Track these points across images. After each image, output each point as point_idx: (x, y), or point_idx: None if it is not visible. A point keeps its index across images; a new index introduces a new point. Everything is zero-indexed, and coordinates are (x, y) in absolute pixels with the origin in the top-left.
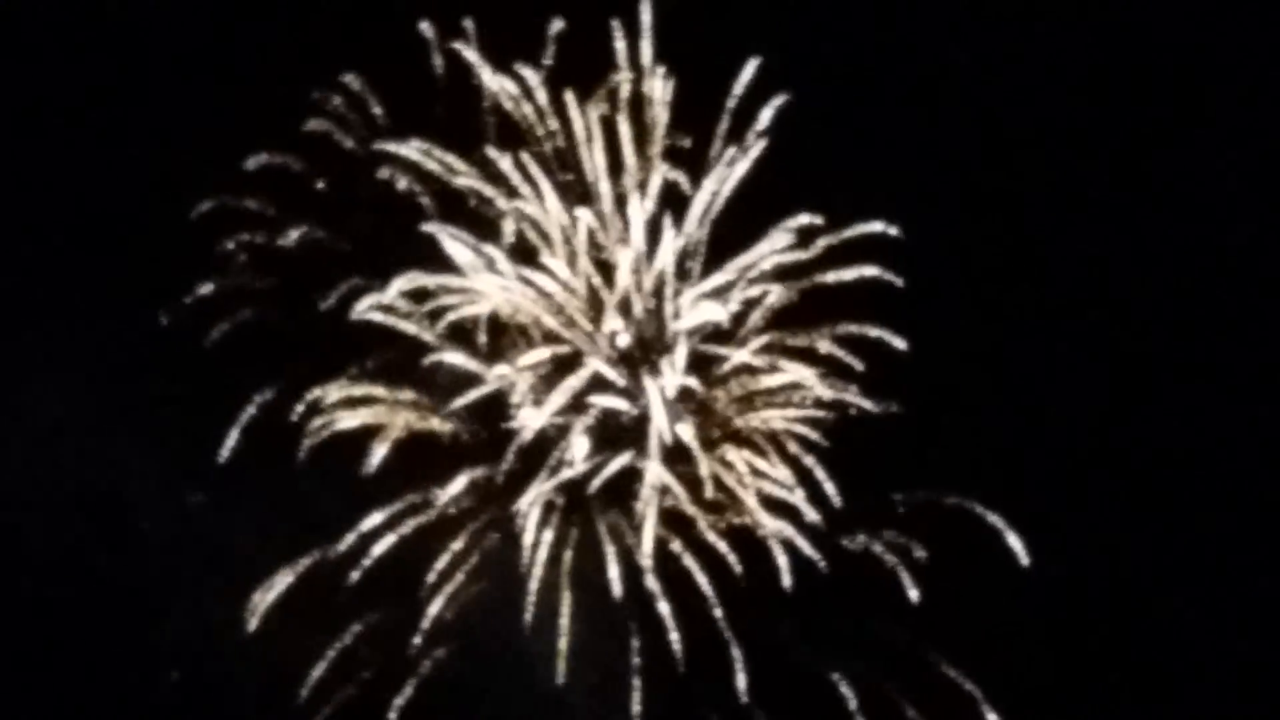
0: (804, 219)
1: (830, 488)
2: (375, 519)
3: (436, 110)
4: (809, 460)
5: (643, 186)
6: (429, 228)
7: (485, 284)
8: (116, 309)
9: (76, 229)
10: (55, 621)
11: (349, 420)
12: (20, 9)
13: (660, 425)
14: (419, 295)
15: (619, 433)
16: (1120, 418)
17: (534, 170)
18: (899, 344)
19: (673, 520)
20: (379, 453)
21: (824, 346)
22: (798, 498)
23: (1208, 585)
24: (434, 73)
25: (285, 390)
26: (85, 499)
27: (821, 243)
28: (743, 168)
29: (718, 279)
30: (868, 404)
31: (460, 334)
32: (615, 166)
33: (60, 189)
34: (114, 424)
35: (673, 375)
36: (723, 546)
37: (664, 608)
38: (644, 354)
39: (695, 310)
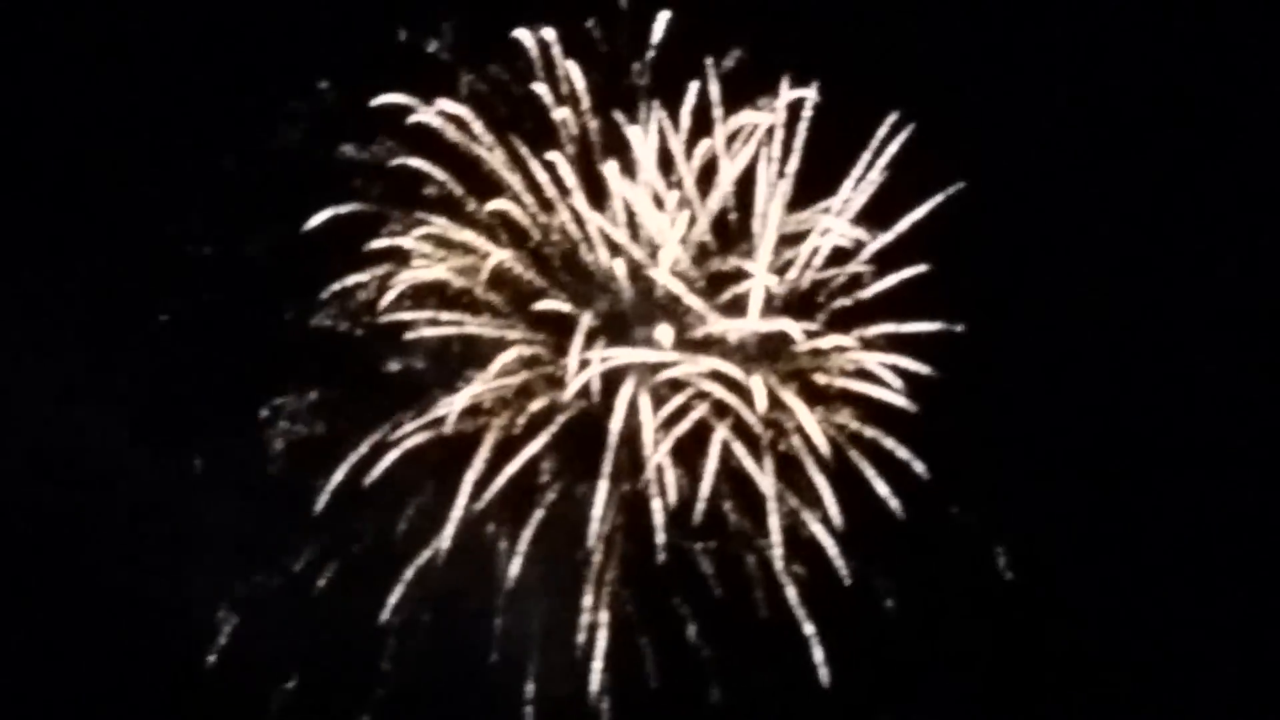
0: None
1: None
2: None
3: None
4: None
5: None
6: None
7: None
8: (89, 316)
9: (53, 226)
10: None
11: (321, 427)
12: None
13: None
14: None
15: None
16: (1104, 424)
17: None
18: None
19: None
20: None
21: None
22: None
23: (1196, 592)
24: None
25: (260, 396)
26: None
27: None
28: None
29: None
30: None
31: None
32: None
33: (32, 189)
34: (88, 422)
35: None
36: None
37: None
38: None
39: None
